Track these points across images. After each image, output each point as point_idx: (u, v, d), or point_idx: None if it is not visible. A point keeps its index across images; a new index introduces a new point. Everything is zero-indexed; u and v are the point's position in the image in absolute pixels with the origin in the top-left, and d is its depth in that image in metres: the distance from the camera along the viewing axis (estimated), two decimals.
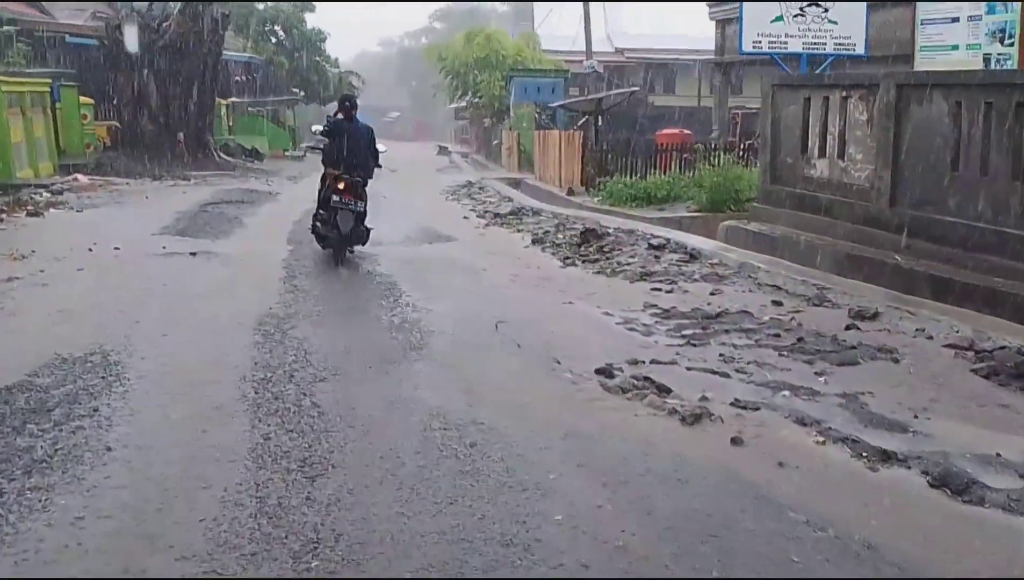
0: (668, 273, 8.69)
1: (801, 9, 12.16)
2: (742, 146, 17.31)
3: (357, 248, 9.84)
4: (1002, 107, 6.91)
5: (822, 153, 9.54)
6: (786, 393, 4.82)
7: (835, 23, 12.26)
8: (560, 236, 11.52)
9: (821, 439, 4.09)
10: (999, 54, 10.07)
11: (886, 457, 3.86)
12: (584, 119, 23.81)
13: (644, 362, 5.51)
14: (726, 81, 24.60)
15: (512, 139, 29.35)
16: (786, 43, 12.38)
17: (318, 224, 9.66)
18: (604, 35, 36.20)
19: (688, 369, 5.38)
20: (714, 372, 5.28)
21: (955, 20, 10.60)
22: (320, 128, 9.89)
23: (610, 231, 11.23)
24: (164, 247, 10.19)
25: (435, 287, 8.21)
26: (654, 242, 10.19)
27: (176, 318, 6.73)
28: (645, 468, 3.82)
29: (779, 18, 12.32)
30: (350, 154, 9.48)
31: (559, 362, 5.55)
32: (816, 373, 5.21)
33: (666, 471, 3.79)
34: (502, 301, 7.61)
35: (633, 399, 4.77)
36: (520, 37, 38.12)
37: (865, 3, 12.20)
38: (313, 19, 43.69)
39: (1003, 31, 10.03)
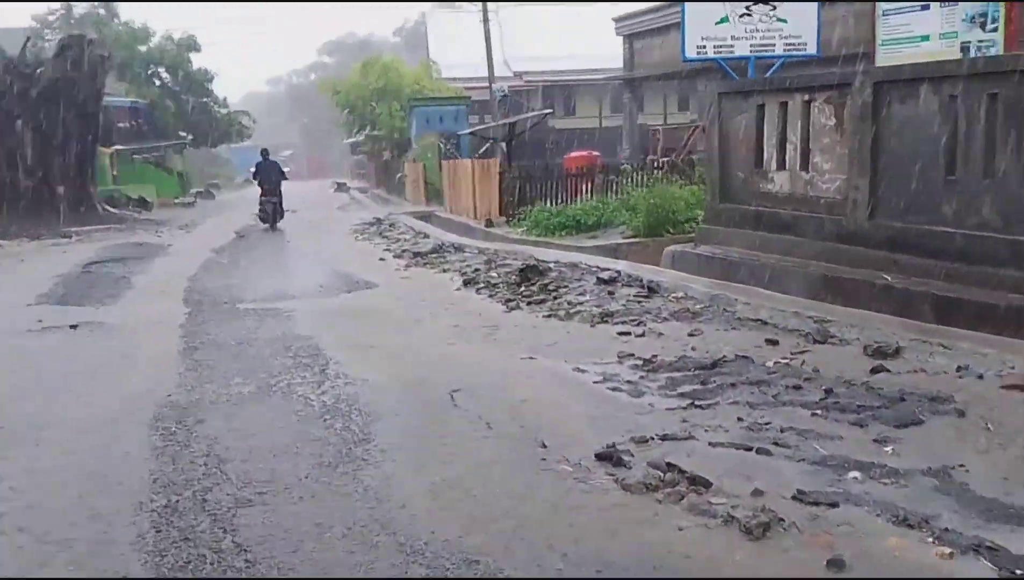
0: (631, 312, 7.63)
1: (747, 8, 11.33)
2: (666, 164, 16.61)
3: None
4: (1010, 98, 6.13)
5: (781, 165, 8.71)
6: (857, 474, 3.75)
7: (784, 21, 11.46)
8: (494, 274, 10.38)
9: (947, 550, 3.02)
10: (980, 41, 9.40)
11: None
12: (486, 146, 22.92)
13: (653, 438, 4.39)
14: (635, 98, 24.05)
15: (417, 171, 28.18)
16: (732, 46, 11.54)
17: (257, 213, 20.11)
18: (502, 59, 35.46)
19: (712, 445, 4.28)
20: (747, 448, 4.19)
21: (925, 7, 9.93)
22: (252, 170, 21.05)
23: (551, 266, 10.15)
24: (40, 321, 8.65)
25: (366, 348, 6.97)
26: (603, 276, 9.15)
27: (52, 417, 5.31)
28: None
29: (724, 19, 11.48)
30: (267, 178, 19.78)
31: (545, 446, 4.39)
32: (876, 440, 4.17)
33: None
34: (449, 361, 6.40)
35: (666, 501, 3.62)
36: (419, 66, 37.07)
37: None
38: (199, 59, 41.77)
39: (984, 15, 9.37)
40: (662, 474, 3.85)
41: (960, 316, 6.17)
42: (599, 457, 4.14)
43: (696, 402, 5.00)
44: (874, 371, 5.28)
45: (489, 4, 29.77)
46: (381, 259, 13.30)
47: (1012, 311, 5.88)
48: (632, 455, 4.16)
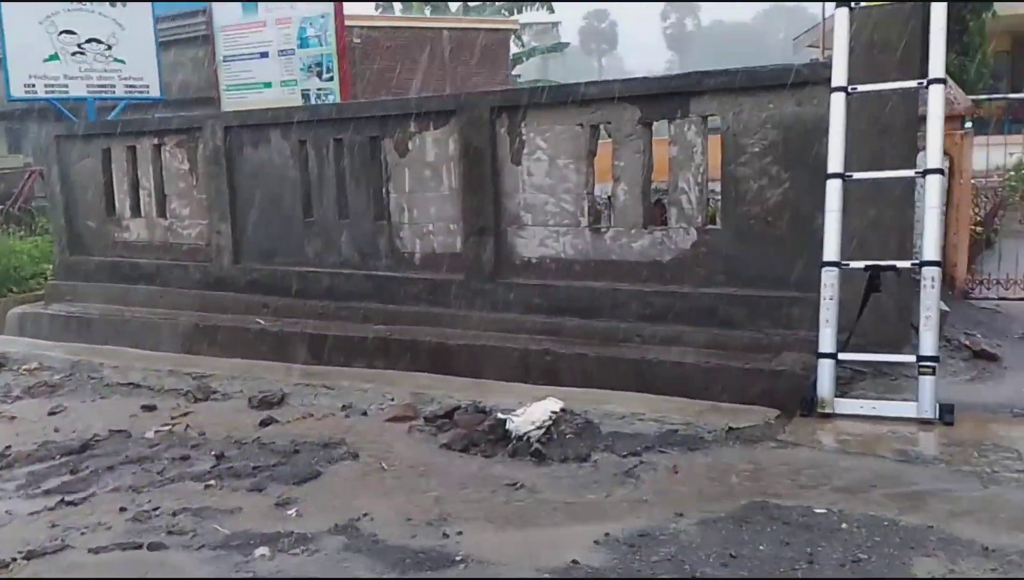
0: None
1: (79, 46, 10.19)
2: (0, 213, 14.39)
3: None
4: (354, 144, 6.52)
5: (136, 212, 8.09)
6: (264, 550, 3.43)
7: (122, 62, 10.59)
8: None
9: None
10: (319, 89, 9.88)
11: None
12: None
13: (16, 559, 3.48)
14: None
15: None
16: (67, 86, 10.24)
17: None
18: None
19: (93, 551, 3.55)
20: (136, 546, 3.56)
21: (264, 55, 10.09)
22: None
23: None
24: None
25: None
26: None
27: None
28: None
29: (54, 56, 10.13)
30: None
31: None
32: (278, 503, 3.90)
33: None
34: None
35: None
36: None
37: (154, 41, 10.84)
38: None
39: (320, 65, 9.87)
40: None
41: (336, 353, 6.36)
42: None
43: (67, 498, 4.16)
44: (263, 424, 5.08)
45: None
46: None
47: (379, 341, 6.26)
48: None
